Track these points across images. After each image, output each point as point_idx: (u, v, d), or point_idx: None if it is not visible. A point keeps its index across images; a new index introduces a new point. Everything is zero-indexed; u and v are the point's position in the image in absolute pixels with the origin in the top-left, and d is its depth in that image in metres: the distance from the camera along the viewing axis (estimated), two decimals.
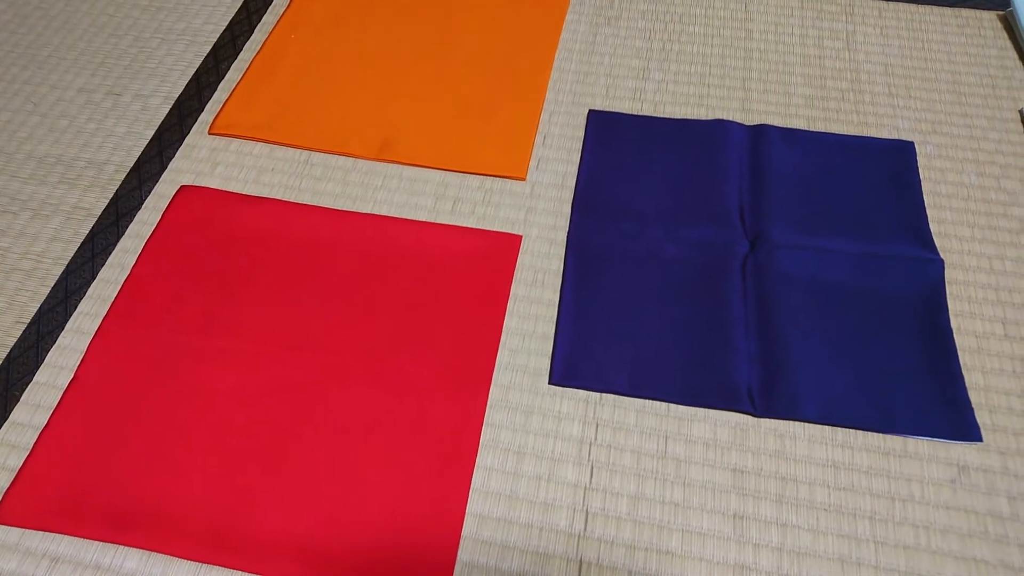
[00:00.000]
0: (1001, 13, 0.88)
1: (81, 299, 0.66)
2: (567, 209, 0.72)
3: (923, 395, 0.59)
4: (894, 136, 0.77)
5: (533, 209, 0.72)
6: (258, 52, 0.85)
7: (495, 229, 0.71)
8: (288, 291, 0.66)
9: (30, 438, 0.58)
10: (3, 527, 0.54)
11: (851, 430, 0.58)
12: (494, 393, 0.60)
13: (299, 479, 0.56)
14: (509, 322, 0.64)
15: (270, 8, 0.91)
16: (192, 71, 0.85)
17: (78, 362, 0.62)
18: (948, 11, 0.89)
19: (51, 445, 0.58)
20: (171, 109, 0.81)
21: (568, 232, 0.70)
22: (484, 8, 0.89)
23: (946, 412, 0.58)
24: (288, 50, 0.85)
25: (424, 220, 0.71)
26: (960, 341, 0.62)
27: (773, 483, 0.55)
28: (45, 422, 0.59)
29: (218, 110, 0.80)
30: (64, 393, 0.60)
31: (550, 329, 0.64)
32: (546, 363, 0.62)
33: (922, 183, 0.73)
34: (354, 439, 0.58)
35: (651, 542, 0.53)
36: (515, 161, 0.75)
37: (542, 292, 0.66)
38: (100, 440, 0.58)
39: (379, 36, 0.87)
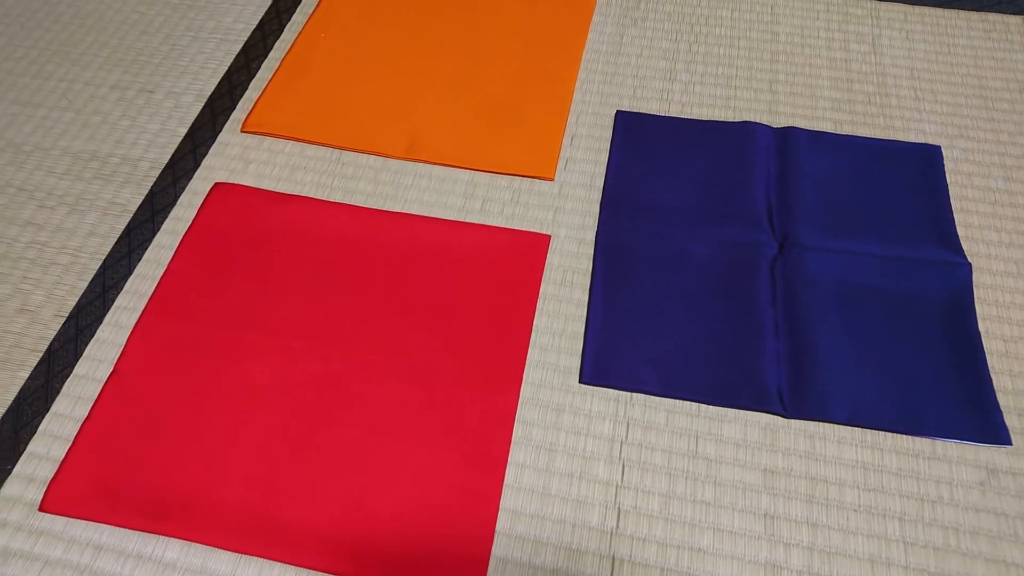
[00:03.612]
0: None
1: (119, 294, 0.67)
2: (595, 209, 0.73)
3: (951, 398, 0.59)
4: (920, 140, 0.77)
5: (561, 209, 0.73)
6: (288, 51, 0.86)
7: (524, 228, 0.71)
8: (321, 287, 0.67)
9: (71, 429, 0.59)
10: (48, 516, 0.55)
11: (880, 432, 0.58)
12: (525, 391, 0.61)
13: (334, 472, 0.57)
14: (539, 321, 0.65)
15: (299, 7, 0.92)
16: (223, 69, 0.86)
17: (117, 355, 0.63)
18: (974, 15, 0.89)
19: (92, 436, 0.59)
20: (203, 107, 0.82)
21: (597, 232, 0.71)
22: (511, 9, 0.90)
23: (974, 415, 0.58)
24: (318, 49, 0.86)
25: (454, 219, 0.72)
26: (988, 345, 0.63)
27: (803, 483, 0.56)
28: (86, 414, 0.60)
29: (250, 108, 0.81)
30: (104, 385, 0.61)
31: (580, 328, 0.64)
32: (576, 362, 0.62)
33: (949, 187, 0.73)
34: (388, 433, 0.59)
35: (683, 540, 0.54)
36: (543, 161, 0.76)
37: (571, 291, 0.67)
38: (139, 432, 0.59)
39: (407, 36, 0.87)
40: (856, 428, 0.58)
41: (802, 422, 0.59)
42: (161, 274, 0.68)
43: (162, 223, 0.72)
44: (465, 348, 0.63)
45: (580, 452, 0.58)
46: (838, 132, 0.78)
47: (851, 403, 0.59)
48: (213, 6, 0.94)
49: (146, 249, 0.70)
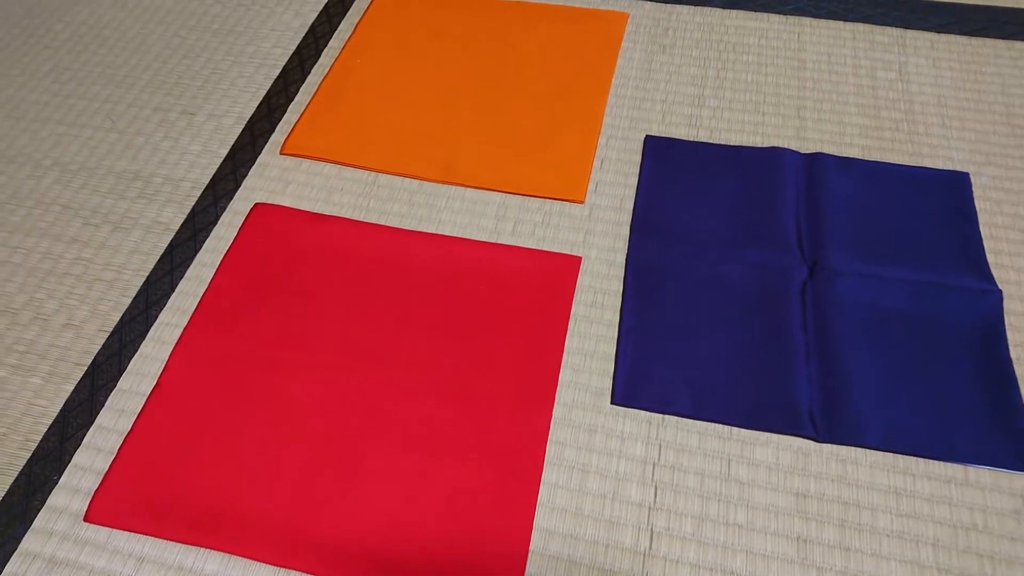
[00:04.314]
0: None
1: (161, 310, 0.69)
2: (625, 231, 0.74)
3: (983, 424, 0.59)
4: (948, 167, 0.78)
5: (592, 231, 0.74)
6: (325, 76, 0.89)
7: (555, 250, 0.73)
8: (358, 306, 0.68)
9: (115, 442, 0.61)
10: (93, 526, 0.57)
11: (912, 457, 0.58)
12: (557, 411, 0.62)
13: (371, 489, 0.58)
14: (570, 342, 0.66)
15: (336, 34, 0.95)
16: (263, 93, 0.89)
17: (160, 370, 0.65)
18: (1001, 43, 0.90)
19: (135, 449, 0.61)
20: (243, 129, 0.85)
21: (627, 254, 0.72)
22: (543, 36, 0.92)
23: (1007, 442, 0.58)
24: (354, 75, 0.89)
25: (486, 241, 0.73)
26: (1020, 372, 0.63)
27: (836, 507, 0.56)
28: (129, 427, 0.62)
29: (288, 131, 0.83)
30: (147, 399, 0.63)
31: (611, 349, 0.65)
32: (608, 383, 0.63)
33: (978, 214, 0.74)
34: (423, 450, 0.60)
35: (716, 562, 0.54)
36: (574, 184, 0.78)
37: (602, 313, 0.68)
38: (181, 445, 0.61)
39: (441, 62, 0.90)
40: (888, 453, 0.59)
41: (834, 447, 0.59)
42: (203, 291, 0.70)
43: (204, 242, 0.75)
44: (498, 368, 0.64)
45: (613, 473, 0.58)
46: (866, 158, 0.79)
47: (883, 428, 0.59)
48: (252, 31, 0.97)
49: (188, 267, 0.72)
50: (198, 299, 0.69)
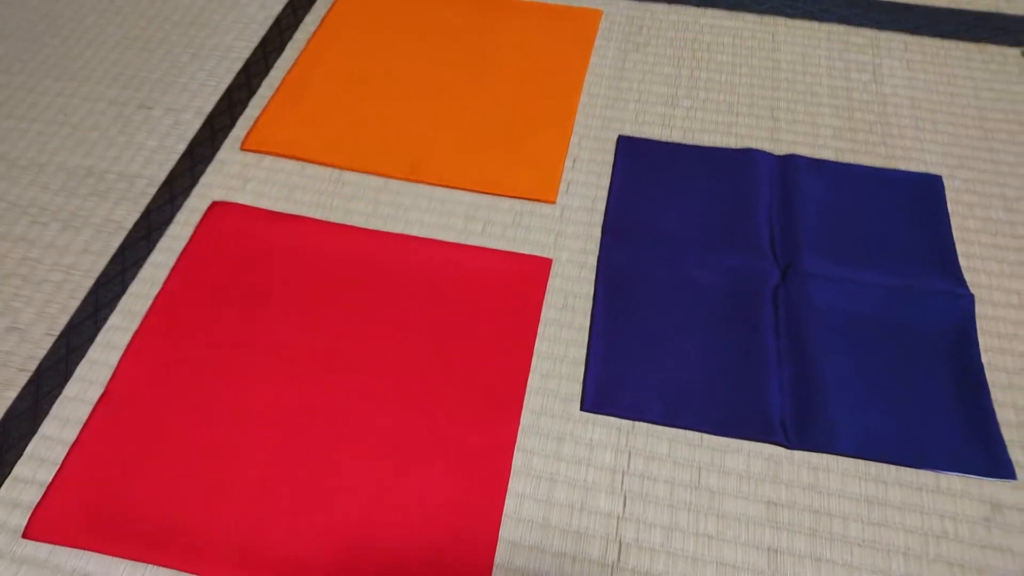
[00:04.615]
0: None
1: (111, 313, 0.66)
2: (597, 233, 0.72)
3: (955, 430, 0.59)
4: (921, 169, 0.78)
5: (563, 233, 0.73)
6: (290, 69, 0.86)
7: (525, 252, 0.71)
8: (318, 310, 0.66)
9: (60, 453, 0.58)
10: (32, 543, 0.54)
11: (883, 464, 0.58)
12: (525, 418, 0.60)
13: (331, 502, 0.56)
14: (540, 346, 0.64)
15: (301, 26, 0.92)
16: (224, 87, 0.86)
17: (108, 376, 0.62)
18: (973, 46, 0.90)
19: (81, 460, 0.57)
20: (203, 124, 0.82)
21: (598, 256, 0.70)
22: (515, 32, 0.90)
23: (978, 448, 0.58)
24: (320, 68, 0.86)
25: (454, 242, 0.71)
26: (991, 377, 0.62)
27: (807, 516, 0.55)
28: (75, 437, 0.59)
29: (250, 126, 0.81)
30: (94, 408, 0.60)
31: (581, 354, 0.64)
32: (577, 389, 0.62)
33: (950, 217, 0.73)
34: (386, 460, 0.58)
35: (685, 574, 0.52)
36: (545, 184, 0.76)
37: (573, 316, 0.66)
38: (129, 456, 0.58)
39: (410, 57, 0.87)
40: (860, 460, 0.58)
41: (805, 454, 0.58)
42: (155, 294, 0.67)
43: (158, 241, 0.71)
44: (465, 374, 0.62)
45: (581, 483, 0.56)
46: (839, 160, 0.78)
47: (855, 435, 0.58)
48: (215, 23, 0.94)
49: (141, 268, 0.69)
50: (151, 302, 0.66)
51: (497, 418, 0.59)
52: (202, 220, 0.72)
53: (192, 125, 0.82)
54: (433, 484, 0.56)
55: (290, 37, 0.91)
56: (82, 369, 0.63)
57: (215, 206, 0.73)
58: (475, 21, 0.91)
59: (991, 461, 0.57)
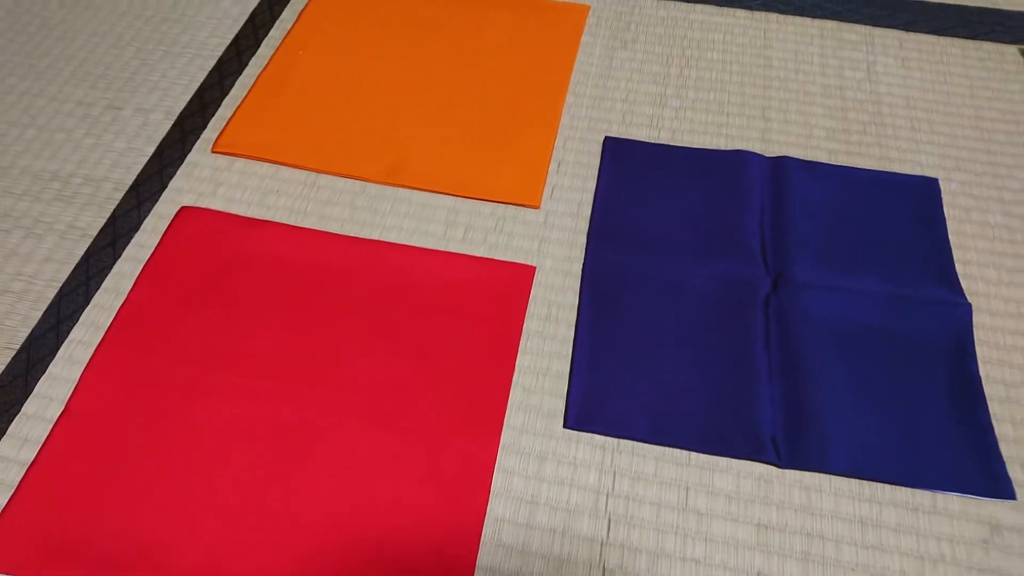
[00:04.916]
0: (1022, 47, 0.87)
1: (74, 325, 0.63)
2: (582, 239, 0.70)
3: (952, 447, 0.56)
4: (917, 172, 0.75)
5: (547, 239, 0.70)
6: (264, 68, 0.83)
7: (507, 259, 0.68)
8: (291, 322, 0.63)
9: (16, 475, 0.55)
10: None
11: (878, 484, 0.55)
12: (506, 436, 0.57)
13: (301, 523, 0.53)
14: (522, 360, 0.62)
15: (277, 23, 0.89)
16: (195, 86, 0.82)
17: (69, 393, 0.59)
18: (969, 43, 0.87)
19: (38, 482, 0.55)
20: (173, 125, 0.78)
21: (583, 264, 0.68)
22: (499, 29, 0.87)
23: (976, 466, 0.56)
24: (296, 66, 0.83)
25: (434, 248, 0.69)
26: (989, 390, 0.60)
27: (798, 540, 0.53)
28: (32, 458, 0.56)
29: (222, 127, 0.77)
30: (54, 427, 0.57)
31: (565, 367, 0.61)
32: (561, 404, 0.59)
33: (946, 222, 0.71)
34: (358, 482, 0.55)
35: None
36: (529, 188, 0.73)
37: (556, 328, 0.64)
38: (91, 478, 0.55)
39: (390, 55, 0.84)
40: (853, 480, 0.55)
41: (797, 473, 0.56)
42: (120, 305, 0.64)
43: (124, 249, 0.68)
44: (443, 390, 0.59)
45: (563, 505, 0.54)
46: (833, 162, 0.75)
47: (848, 453, 0.56)
48: (188, 19, 0.90)
49: (106, 277, 0.66)
50: (115, 313, 0.63)
51: (476, 437, 0.57)
52: (170, 227, 0.69)
53: (162, 126, 0.79)
54: (408, 507, 0.54)
55: (265, 34, 0.88)
56: (42, 386, 0.60)
57: (183, 212, 0.70)
58: (457, 17, 0.88)
59: (989, 480, 0.55)
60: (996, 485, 0.55)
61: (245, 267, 0.66)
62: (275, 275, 0.66)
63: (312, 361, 0.61)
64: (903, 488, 0.55)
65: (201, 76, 0.83)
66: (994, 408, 0.59)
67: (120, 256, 0.68)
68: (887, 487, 0.55)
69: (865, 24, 0.89)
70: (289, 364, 0.61)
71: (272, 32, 0.88)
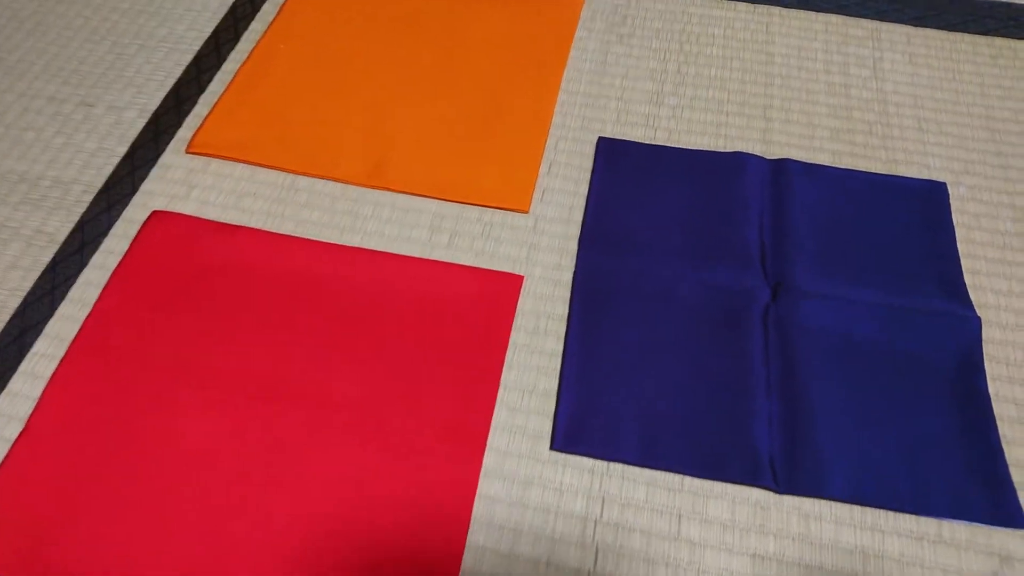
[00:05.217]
0: None
1: (37, 337, 0.60)
2: (573, 246, 0.67)
3: (960, 472, 0.54)
4: (924, 175, 0.72)
5: (536, 246, 0.67)
6: (243, 63, 0.79)
7: (495, 267, 0.65)
8: (266, 333, 0.60)
9: None
10: None
11: (881, 511, 0.52)
12: (489, 459, 0.54)
13: (274, 545, 0.50)
14: (507, 375, 0.59)
15: (258, 15, 0.85)
16: (172, 82, 0.79)
17: (30, 411, 0.56)
18: (980, 39, 0.84)
19: None
20: (147, 124, 0.75)
21: (574, 273, 0.65)
22: (489, 22, 0.83)
23: (985, 493, 0.53)
24: (276, 62, 0.79)
25: (417, 256, 0.65)
26: (998, 409, 0.57)
27: (796, 572, 0.50)
28: None
29: (197, 126, 0.74)
30: (12, 447, 0.54)
31: (552, 384, 0.58)
32: (547, 425, 0.56)
33: (955, 228, 0.68)
34: (333, 503, 0.52)
35: None
36: (518, 192, 0.70)
37: (544, 341, 0.61)
38: (53, 501, 0.52)
39: (375, 50, 0.81)
40: (855, 506, 0.52)
41: (795, 499, 0.53)
42: (86, 315, 0.61)
43: (92, 256, 0.65)
44: (424, 408, 0.56)
45: (548, 535, 0.51)
46: (836, 165, 0.72)
47: (850, 477, 0.53)
48: (166, 11, 0.87)
49: (72, 286, 0.63)
50: (80, 325, 0.60)
51: (458, 460, 0.54)
52: (140, 232, 0.66)
53: (135, 125, 0.75)
54: (386, 534, 0.51)
55: (246, 27, 0.84)
56: (2, 403, 0.57)
57: (155, 216, 0.67)
58: (445, 11, 0.84)
59: (999, 508, 0.52)
60: (1006, 513, 0.52)
61: (218, 275, 0.63)
62: (250, 284, 0.63)
63: (288, 375, 0.58)
64: (907, 516, 0.52)
65: (178, 71, 0.80)
66: (1004, 430, 0.56)
67: (88, 263, 0.65)
68: (890, 514, 0.52)
69: (872, 19, 0.85)
70: (263, 378, 0.58)
71: (253, 25, 0.84)
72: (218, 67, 0.80)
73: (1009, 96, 0.79)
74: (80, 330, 0.60)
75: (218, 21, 0.85)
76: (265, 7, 0.86)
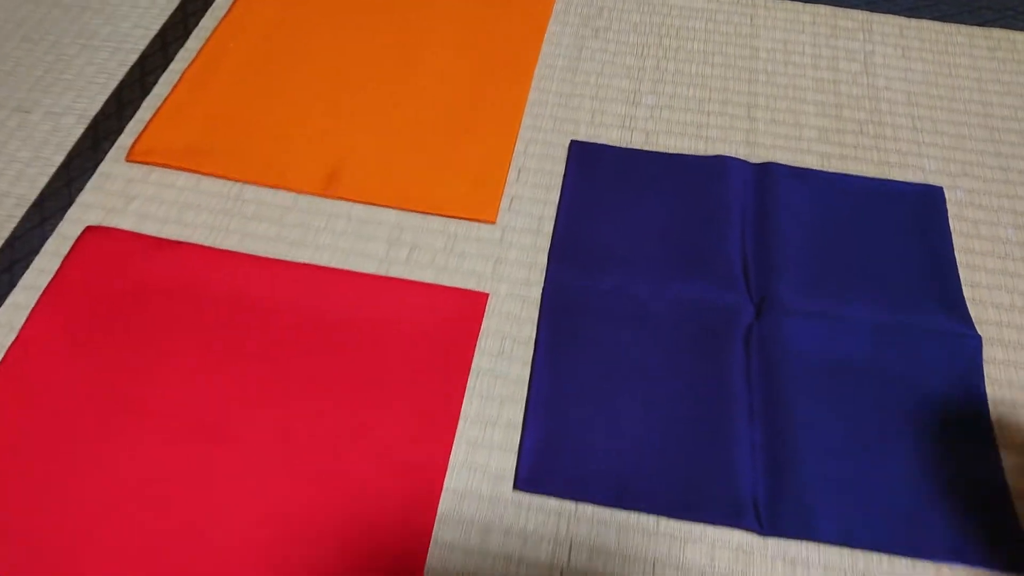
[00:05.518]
0: None
1: None
2: (542, 260, 0.62)
3: (960, 510, 0.49)
4: (919, 179, 0.67)
5: (503, 260, 0.62)
6: (191, 63, 0.74)
7: (457, 284, 0.60)
8: (208, 361, 0.55)
9: None
10: None
11: (873, 553, 0.48)
12: (445, 502, 0.49)
13: None
14: (468, 406, 0.54)
15: (209, 11, 0.80)
16: (114, 84, 0.73)
17: None
18: (977, 31, 0.79)
19: None
20: (85, 130, 0.70)
21: (543, 290, 0.60)
22: (455, 14, 0.78)
23: (988, 533, 0.48)
24: (225, 61, 0.74)
25: (373, 273, 0.60)
26: (1001, 437, 0.53)
27: None
28: None
29: (139, 132, 0.69)
30: None
31: (517, 415, 0.53)
32: (510, 461, 0.51)
33: (953, 237, 0.63)
34: (276, 549, 0.47)
35: None
36: (484, 201, 0.65)
37: (510, 366, 0.56)
38: None
39: (331, 48, 0.75)
40: (845, 549, 0.48)
41: (780, 542, 0.48)
42: (11, 343, 0.56)
43: (21, 276, 0.60)
44: (377, 442, 0.52)
45: None
46: (825, 168, 0.67)
47: (840, 517, 0.48)
48: (111, 8, 0.81)
49: None
50: (4, 353, 0.55)
51: (412, 502, 0.49)
52: (72, 250, 0.60)
53: (73, 131, 0.70)
54: None
55: (196, 24, 0.79)
56: None
57: (88, 232, 0.62)
58: (408, 5, 0.79)
59: (1004, 551, 0.47)
60: (1013, 558, 0.47)
61: (157, 296, 0.58)
62: (191, 305, 0.58)
63: (232, 407, 0.53)
64: (903, 559, 0.48)
65: (121, 72, 0.74)
66: (1007, 461, 0.52)
67: (18, 284, 0.60)
68: (884, 558, 0.48)
69: (862, 10, 0.80)
70: (204, 411, 0.53)
71: (204, 21, 0.79)
72: (164, 68, 0.75)
73: (1008, 92, 0.74)
74: (2, 360, 0.55)
75: (166, 18, 0.79)
76: (218, 2, 0.81)
